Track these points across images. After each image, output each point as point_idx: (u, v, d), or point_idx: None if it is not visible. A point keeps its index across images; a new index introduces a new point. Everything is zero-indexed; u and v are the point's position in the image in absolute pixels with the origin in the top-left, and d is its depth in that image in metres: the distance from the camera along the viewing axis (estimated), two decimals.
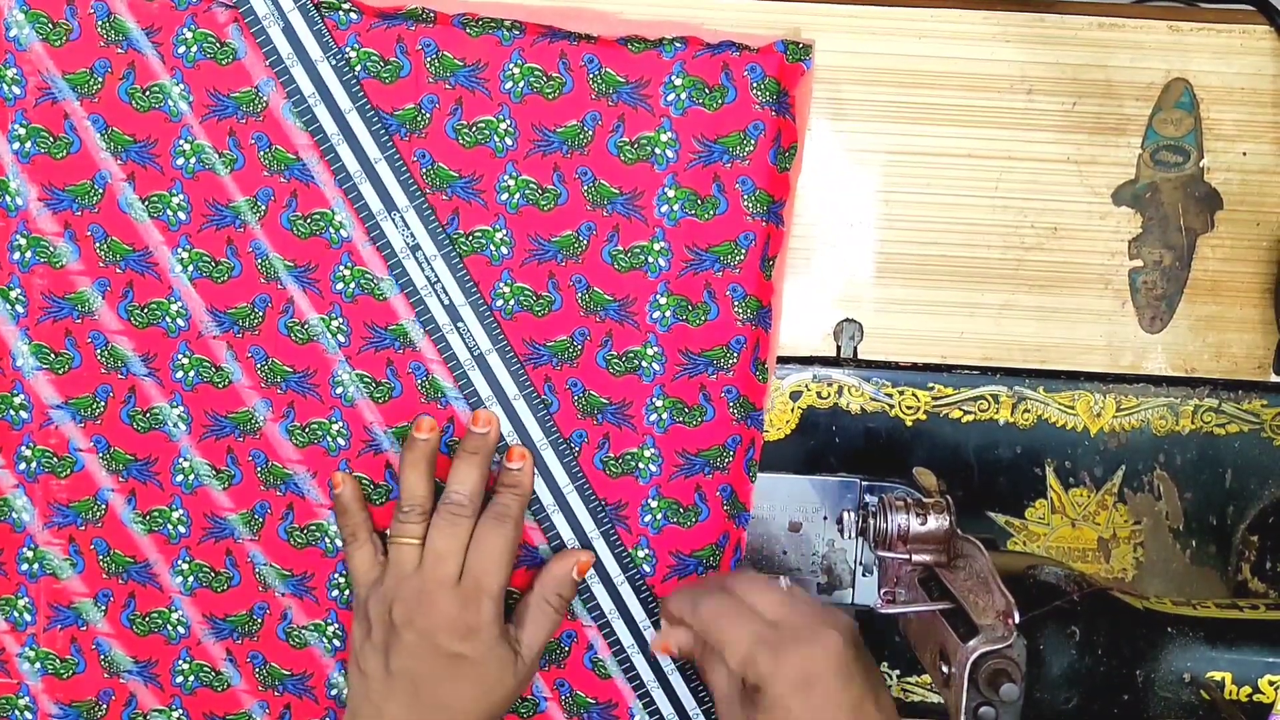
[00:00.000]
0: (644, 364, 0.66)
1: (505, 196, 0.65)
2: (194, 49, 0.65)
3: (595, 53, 0.65)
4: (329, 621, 0.68)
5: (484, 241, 0.66)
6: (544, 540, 0.67)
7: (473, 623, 0.62)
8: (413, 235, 0.65)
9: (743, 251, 0.65)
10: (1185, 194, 0.67)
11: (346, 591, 0.68)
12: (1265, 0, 0.67)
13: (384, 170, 0.65)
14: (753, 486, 0.66)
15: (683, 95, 0.65)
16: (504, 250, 0.66)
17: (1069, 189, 0.67)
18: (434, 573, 0.62)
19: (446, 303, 0.65)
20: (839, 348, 0.68)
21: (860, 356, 0.68)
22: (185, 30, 0.64)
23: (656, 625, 0.67)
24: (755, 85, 0.64)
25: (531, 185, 0.65)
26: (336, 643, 0.68)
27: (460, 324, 0.66)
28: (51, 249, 0.66)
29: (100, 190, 0.65)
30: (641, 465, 0.67)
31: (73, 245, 0.66)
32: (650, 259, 0.66)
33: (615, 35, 0.64)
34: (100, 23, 0.64)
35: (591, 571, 0.67)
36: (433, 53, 0.65)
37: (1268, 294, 0.68)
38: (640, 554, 0.67)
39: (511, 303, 0.66)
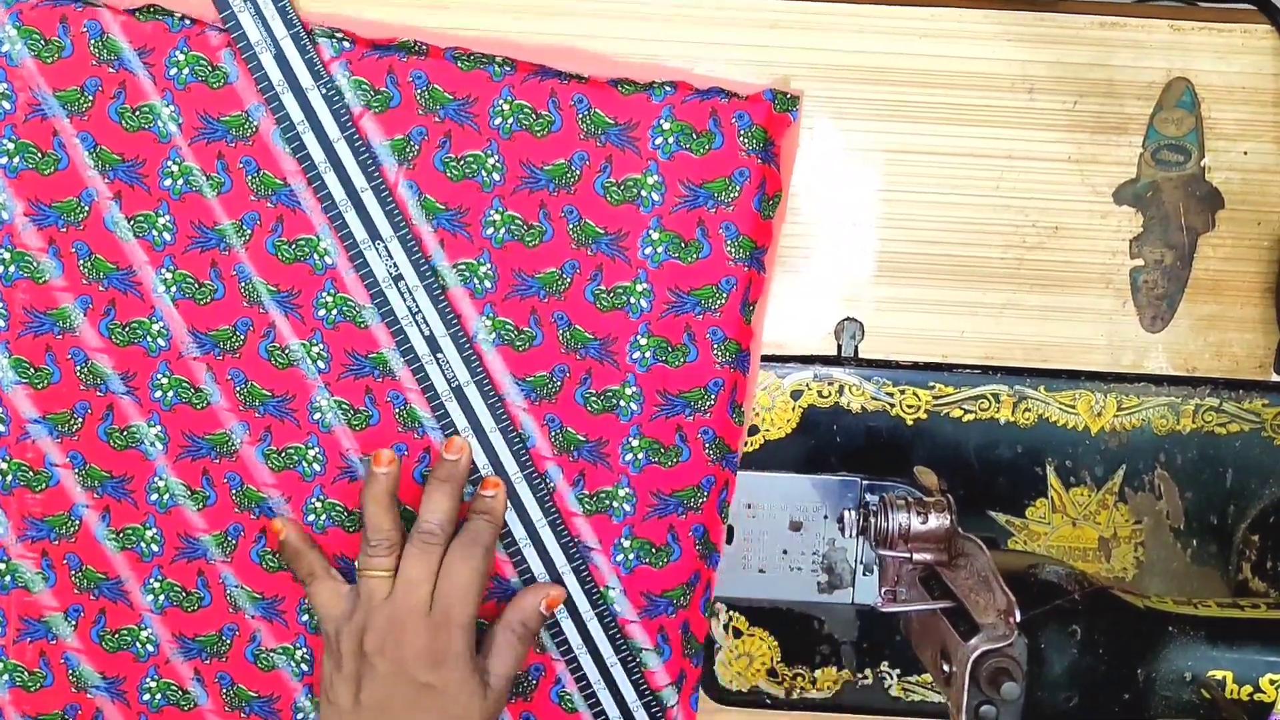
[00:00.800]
0: (622, 403, 0.66)
1: (490, 231, 0.66)
2: (185, 71, 0.65)
3: (585, 93, 0.65)
4: (298, 645, 0.68)
5: (468, 274, 0.66)
6: (515, 574, 0.67)
7: (443, 652, 0.62)
8: (395, 265, 0.65)
9: (724, 296, 0.66)
10: (1186, 193, 0.67)
11: (316, 617, 0.68)
12: (1266, 0, 0.67)
13: (369, 200, 0.65)
14: (724, 527, 0.67)
15: (670, 139, 0.65)
16: (487, 284, 0.66)
17: (1070, 188, 0.67)
18: (405, 601, 0.62)
19: (427, 333, 0.65)
20: (840, 347, 0.68)
21: (861, 355, 0.68)
22: (178, 52, 0.65)
23: (624, 663, 0.67)
24: (742, 132, 0.65)
25: (517, 221, 0.66)
26: (304, 666, 0.68)
27: (439, 355, 0.66)
28: (35, 264, 0.66)
29: (86, 208, 0.65)
30: (616, 504, 0.67)
31: (56, 261, 0.66)
32: (632, 300, 0.66)
33: (606, 77, 0.65)
34: (93, 41, 0.64)
35: (561, 607, 0.67)
36: (423, 85, 0.65)
37: (1268, 293, 0.68)
38: (611, 592, 0.67)
39: (493, 336, 0.66)
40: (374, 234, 0.65)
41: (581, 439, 0.66)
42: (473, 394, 0.66)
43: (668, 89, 0.65)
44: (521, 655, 0.65)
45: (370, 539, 0.63)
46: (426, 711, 0.62)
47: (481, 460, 0.66)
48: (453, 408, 0.66)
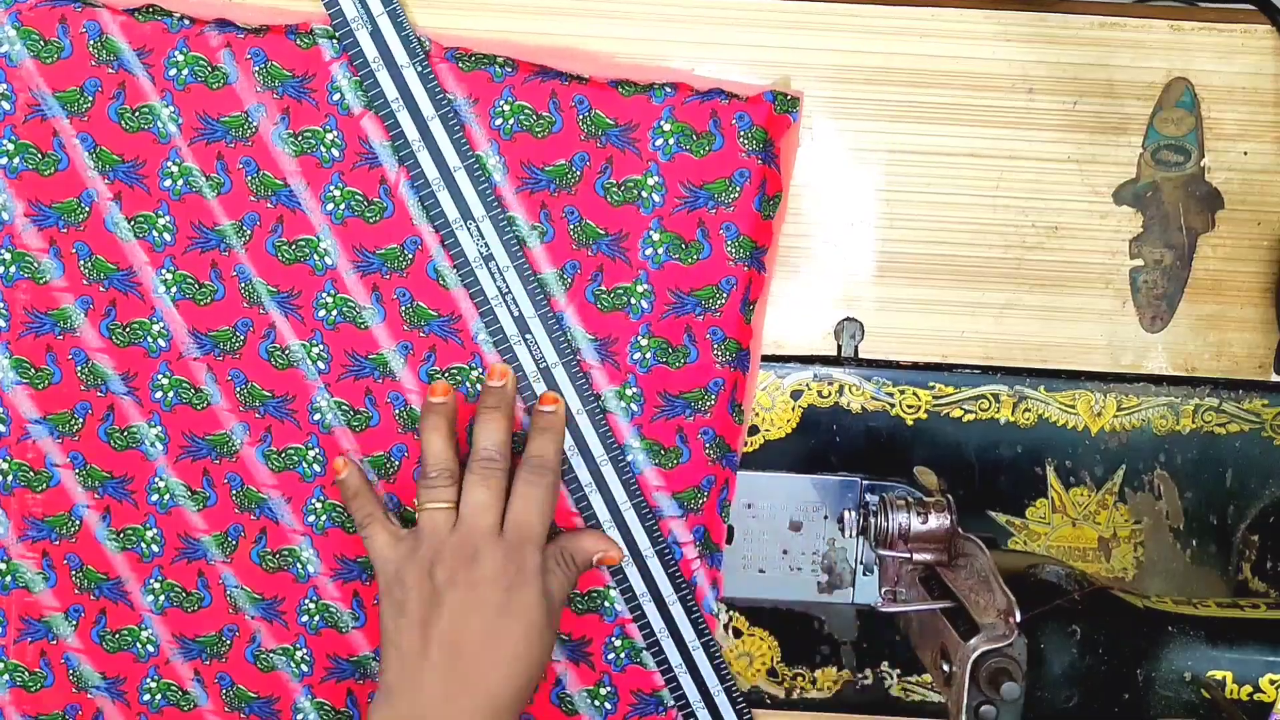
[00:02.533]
0: (623, 404, 0.66)
1: None
2: (185, 72, 0.65)
3: (586, 94, 0.65)
4: (297, 646, 0.68)
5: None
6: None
7: (518, 571, 0.61)
8: (486, 245, 0.65)
9: (724, 295, 0.66)
10: (1186, 193, 0.67)
11: (316, 618, 0.68)
12: (1266, 0, 0.67)
13: (462, 179, 0.65)
14: (725, 527, 0.67)
15: (671, 140, 0.65)
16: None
17: (1070, 188, 0.67)
18: (475, 525, 0.61)
19: (516, 314, 0.65)
20: (840, 347, 0.68)
21: (861, 355, 0.68)
22: (177, 53, 0.64)
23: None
24: (743, 134, 0.65)
25: (518, 222, 0.65)
26: (304, 668, 0.68)
27: (528, 335, 0.65)
28: (36, 264, 0.66)
29: (86, 208, 0.65)
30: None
31: (57, 262, 0.66)
32: (633, 300, 0.66)
33: (606, 78, 0.65)
34: (92, 42, 0.64)
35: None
36: None
37: (1268, 293, 0.68)
38: (612, 591, 0.67)
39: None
40: (466, 213, 0.65)
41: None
42: (560, 375, 0.66)
43: (668, 90, 0.65)
44: (571, 584, 0.64)
45: (429, 470, 0.63)
46: (501, 635, 0.60)
47: (568, 441, 0.66)
48: (539, 389, 0.66)
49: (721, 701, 0.67)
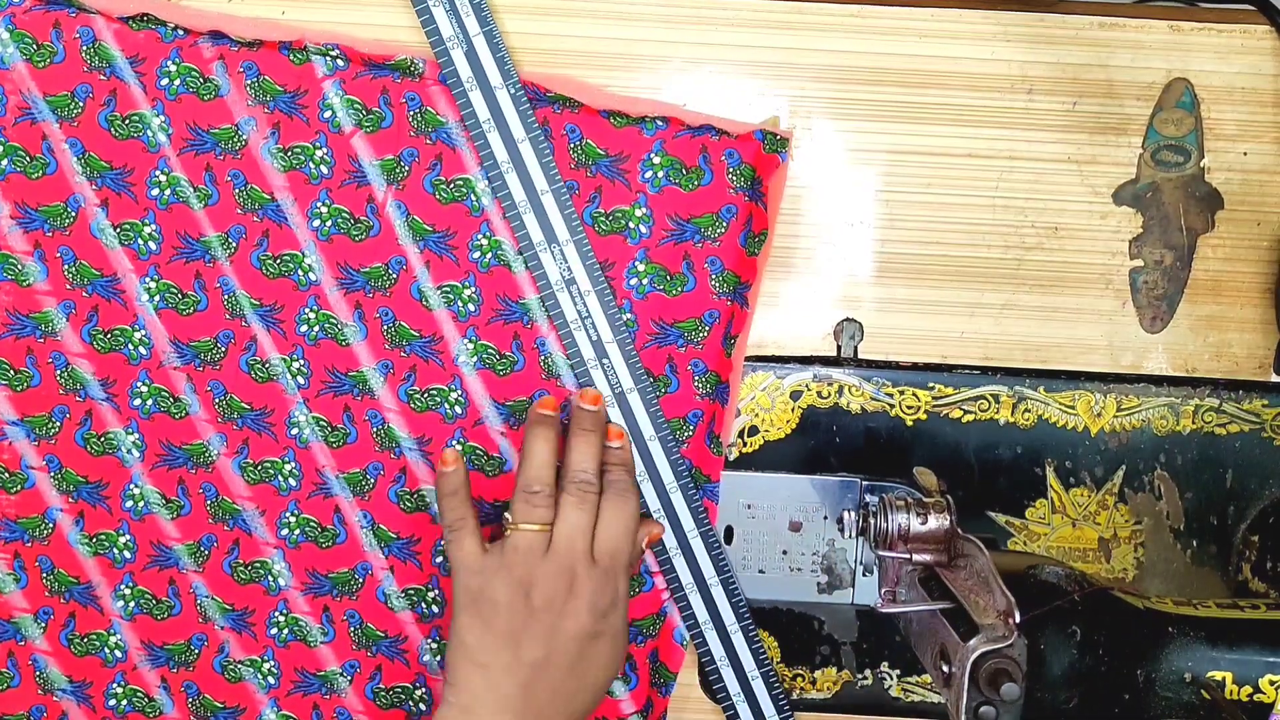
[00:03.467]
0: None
1: (477, 255, 0.66)
2: (177, 82, 0.65)
3: (578, 123, 0.65)
4: (265, 658, 0.68)
5: (452, 297, 0.66)
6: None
7: (612, 598, 0.62)
8: (569, 269, 0.65)
9: (706, 329, 0.66)
10: (1186, 194, 0.67)
11: (286, 631, 0.68)
12: (1266, 0, 0.67)
13: (549, 202, 0.65)
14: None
15: (660, 173, 0.65)
16: (471, 307, 0.66)
17: (1070, 189, 0.67)
18: (573, 549, 0.61)
19: (594, 338, 0.66)
20: (839, 347, 0.68)
21: (861, 356, 0.68)
22: (169, 63, 0.65)
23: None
24: (731, 170, 0.65)
25: (504, 247, 0.65)
26: (271, 680, 0.68)
27: (605, 360, 0.66)
28: (20, 267, 0.66)
29: (73, 213, 0.65)
30: None
31: (41, 265, 0.66)
32: None
33: (599, 107, 0.65)
34: (85, 48, 0.64)
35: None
36: (416, 107, 0.65)
37: (1268, 294, 0.68)
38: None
39: (474, 359, 0.66)
40: (550, 237, 0.65)
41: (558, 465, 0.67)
42: (635, 401, 0.66)
43: (659, 124, 0.65)
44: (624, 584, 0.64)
45: (532, 484, 0.62)
46: (589, 659, 0.61)
47: (640, 467, 0.66)
48: (614, 414, 0.66)
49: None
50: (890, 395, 0.68)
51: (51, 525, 0.67)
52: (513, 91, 0.64)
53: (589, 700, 0.62)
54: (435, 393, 0.66)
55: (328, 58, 0.65)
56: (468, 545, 0.62)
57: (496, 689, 0.59)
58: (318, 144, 0.65)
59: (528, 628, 0.60)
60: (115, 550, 0.67)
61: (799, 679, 0.69)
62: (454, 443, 0.67)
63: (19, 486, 0.67)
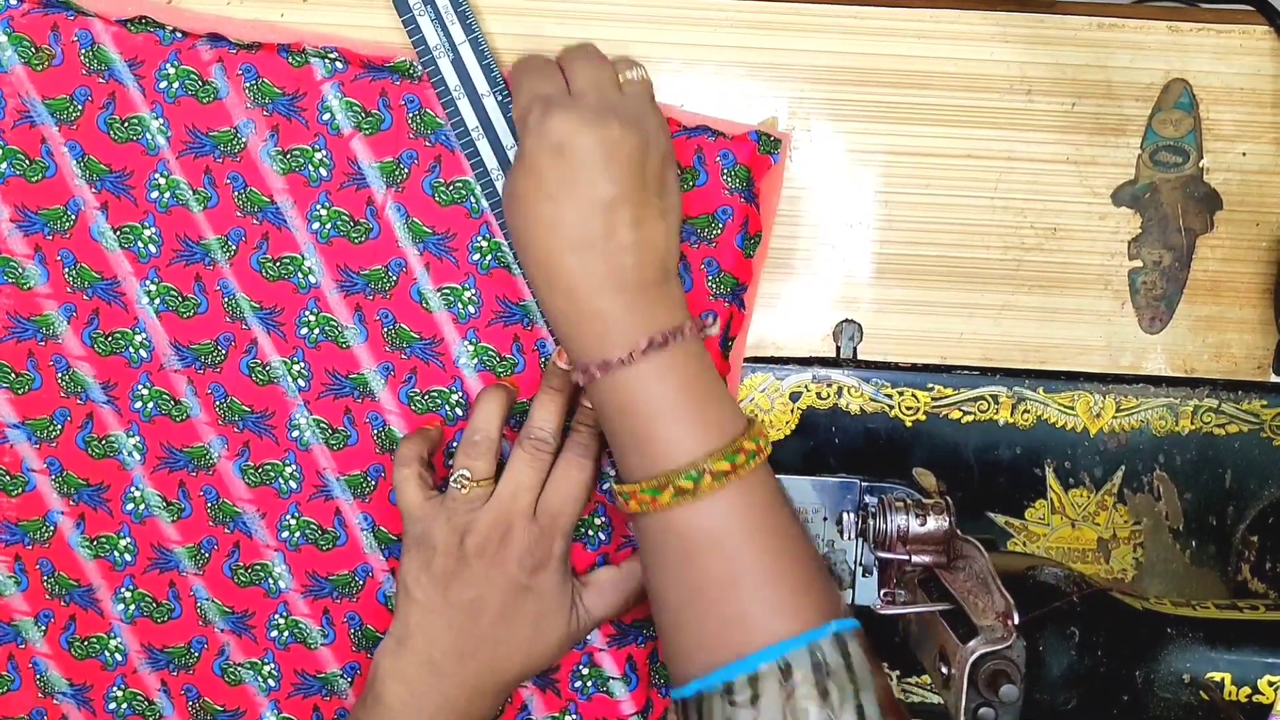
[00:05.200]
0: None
1: (477, 257, 0.66)
2: (175, 85, 0.65)
3: None
4: (265, 661, 0.68)
5: (452, 299, 0.66)
6: None
7: (545, 556, 0.62)
8: None
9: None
10: (1185, 194, 0.67)
11: (286, 633, 0.68)
12: (1265, 0, 0.67)
13: None
14: None
15: None
16: (471, 309, 0.66)
17: (1068, 189, 0.67)
18: (513, 504, 0.61)
19: None
20: (839, 348, 0.68)
21: (860, 357, 0.68)
22: (168, 65, 0.64)
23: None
24: (726, 171, 0.65)
25: (503, 248, 0.66)
26: (271, 683, 0.68)
27: None
28: (20, 270, 0.66)
29: (73, 216, 0.65)
30: (591, 531, 0.67)
31: (42, 268, 0.66)
32: None
33: None
34: (83, 51, 0.64)
35: None
36: (415, 109, 0.65)
37: (1267, 294, 0.68)
38: None
39: (475, 361, 0.66)
40: None
41: None
42: None
43: None
44: (620, 609, 0.65)
45: (473, 433, 0.62)
46: (517, 613, 0.61)
47: None
48: None
49: None
50: (889, 396, 0.68)
51: (52, 528, 0.67)
52: (500, 99, 0.64)
53: (518, 655, 0.62)
54: (436, 395, 0.66)
55: (326, 60, 0.65)
56: (410, 488, 0.63)
57: (427, 625, 0.61)
58: (317, 146, 0.65)
59: (458, 572, 0.61)
60: (116, 553, 0.67)
61: None
62: (455, 446, 0.67)
63: (20, 489, 0.67)
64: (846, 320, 0.68)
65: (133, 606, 0.68)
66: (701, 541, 0.56)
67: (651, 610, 0.59)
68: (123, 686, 0.68)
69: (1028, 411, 0.68)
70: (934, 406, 0.68)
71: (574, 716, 0.68)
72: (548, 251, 0.57)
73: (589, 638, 0.67)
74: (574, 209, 0.56)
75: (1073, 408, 0.68)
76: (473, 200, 0.65)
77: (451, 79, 0.64)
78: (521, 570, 0.61)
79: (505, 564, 0.61)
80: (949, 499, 0.61)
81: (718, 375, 0.59)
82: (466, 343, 0.66)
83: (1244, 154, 0.67)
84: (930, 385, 0.68)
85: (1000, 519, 0.68)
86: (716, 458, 0.55)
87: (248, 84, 0.65)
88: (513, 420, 0.65)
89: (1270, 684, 0.56)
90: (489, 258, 0.66)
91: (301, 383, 0.66)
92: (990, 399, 0.68)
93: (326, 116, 0.65)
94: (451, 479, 0.62)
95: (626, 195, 0.56)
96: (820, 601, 0.55)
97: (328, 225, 0.66)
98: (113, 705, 0.68)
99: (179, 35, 0.64)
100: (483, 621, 0.61)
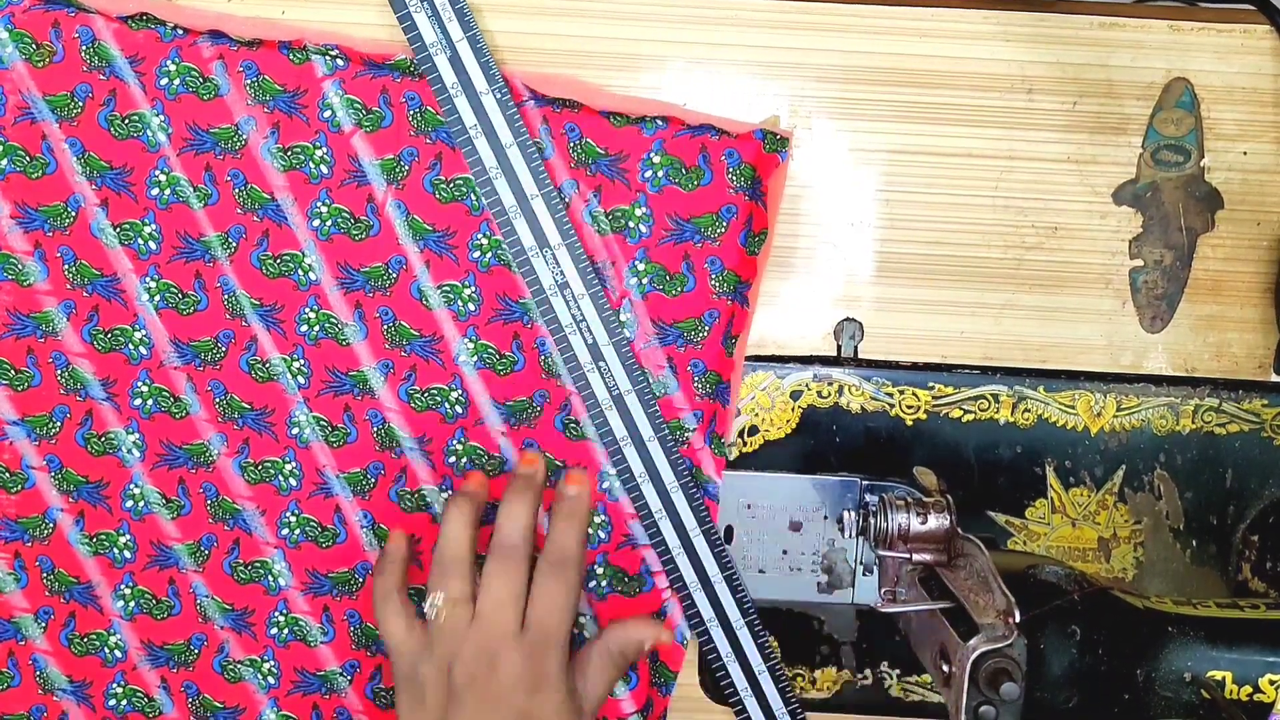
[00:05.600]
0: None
1: (477, 255, 0.66)
2: (176, 81, 0.65)
3: (577, 122, 0.65)
4: (265, 658, 0.68)
5: (452, 296, 0.66)
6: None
7: (540, 676, 0.59)
8: (562, 272, 0.65)
9: (706, 329, 0.66)
10: (1186, 193, 0.67)
11: (286, 631, 0.68)
12: (1266, 0, 0.67)
13: (539, 206, 0.64)
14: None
15: (660, 173, 0.65)
16: (471, 307, 0.66)
17: (1069, 188, 0.67)
18: (495, 623, 0.59)
19: (590, 341, 0.65)
20: (839, 347, 0.68)
21: (860, 356, 0.68)
22: (169, 62, 0.64)
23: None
24: (731, 170, 0.65)
25: (504, 247, 0.66)
26: (271, 680, 0.68)
27: (601, 363, 0.65)
28: (20, 266, 0.66)
29: (73, 213, 0.65)
30: (591, 529, 0.67)
31: (42, 265, 0.66)
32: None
33: (599, 107, 0.65)
34: (84, 48, 0.64)
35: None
36: (416, 106, 0.65)
37: (1268, 293, 0.68)
38: (582, 618, 0.67)
39: (474, 359, 0.66)
40: (542, 241, 0.65)
41: (560, 464, 0.67)
42: (633, 403, 0.65)
43: (659, 123, 0.65)
44: (615, 681, 0.63)
45: (443, 558, 0.60)
46: None
47: (639, 468, 0.66)
48: (612, 416, 0.65)
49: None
50: (890, 395, 0.68)
51: (52, 525, 0.67)
52: (499, 96, 0.64)
53: None
54: (436, 392, 0.66)
55: (327, 57, 0.65)
56: (393, 622, 0.61)
57: None
58: (317, 143, 0.65)
59: (453, 708, 0.58)
60: (115, 550, 0.67)
61: (799, 679, 0.69)
62: (455, 443, 0.67)
63: (19, 486, 0.67)
64: (847, 319, 0.68)
65: (132, 603, 0.68)
66: None
67: None
68: (122, 683, 0.68)
69: (1028, 410, 0.68)
70: (935, 405, 0.68)
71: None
72: None
73: (589, 637, 0.67)
74: None
75: (1073, 407, 0.68)
76: (473, 198, 0.65)
77: (449, 76, 0.64)
78: (517, 695, 0.58)
79: (498, 693, 0.58)
80: (949, 498, 0.61)
81: None
82: (466, 340, 0.66)
83: (1245, 153, 0.67)
84: (931, 384, 0.68)
85: (1001, 518, 0.68)
86: None
87: (248, 81, 0.65)
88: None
89: (1271, 682, 0.56)
90: (489, 255, 0.66)
91: (301, 380, 0.66)
92: (991, 398, 0.68)
93: (327, 113, 0.65)
94: (426, 606, 0.60)
95: None
96: None
97: (328, 222, 0.66)
98: (112, 702, 0.68)
99: (180, 32, 0.64)
100: None
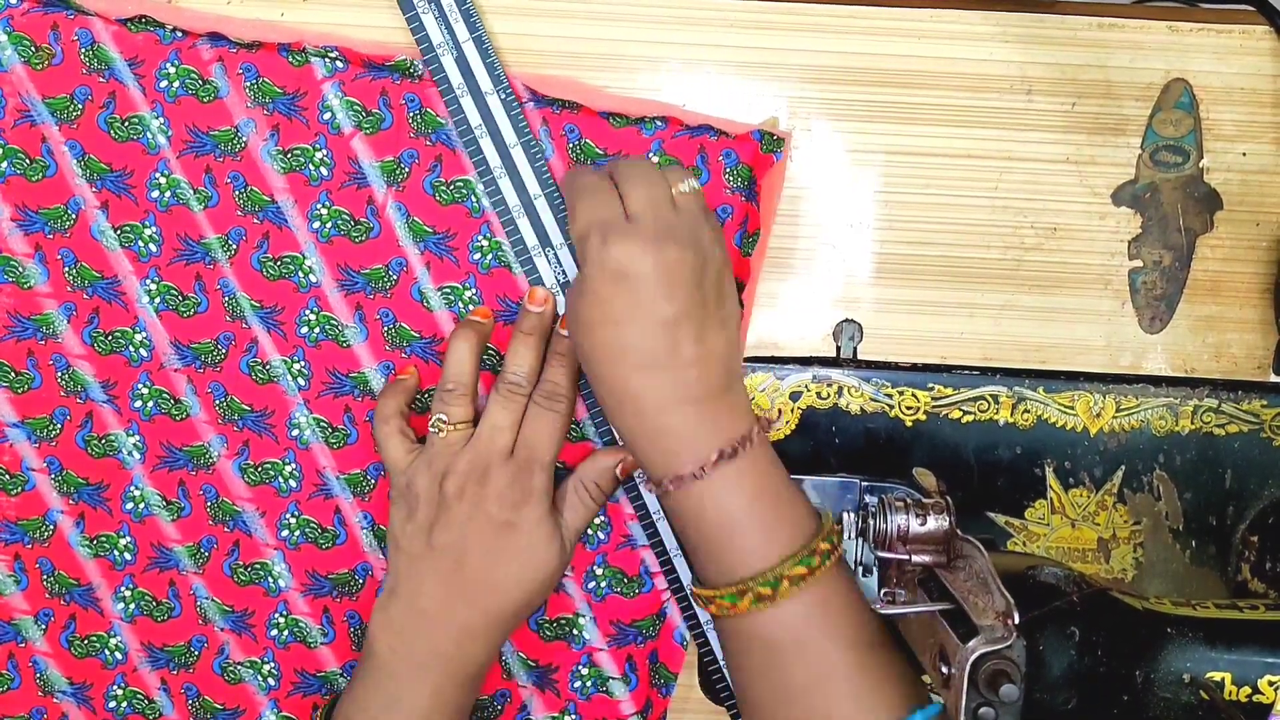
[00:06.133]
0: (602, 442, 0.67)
1: (478, 256, 0.66)
2: (176, 84, 0.65)
3: (576, 123, 0.65)
4: (265, 660, 0.68)
5: (453, 298, 0.66)
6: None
7: (525, 491, 0.62)
8: (564, 272, 0.65)
9: None
10: (1185, 194, 0.67)
11: (286, 632, 0.68)
12: (1265, 0, 0.67)
13: (542, 206, 0.65)
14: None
15: None
16: (471, 309, 0.66)
17: (1068, 189, 0.67)
18: (489, 445, 0.62)
19: None
20: (839, 348, 0.68)
21: (860, 357, 0.68)
22: (168, 65, 0.65)
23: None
24: (728, 170, 0.65)
25: (504, 248, 0.66)
26: (271, 682, 0.68)
27: None
28: (21, 269, 0.66)
29: (73, 216, 0.65)
30: (590, 531, 0.67)
31: (42, 267, 0.66)
32: None
33: (598, 108, 0.65)
34: (83, 50, 0.64)
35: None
36: (416, 109, 0.65)
37: (1267, 294, 0.68)
38: (581, 620, 0.68)
39: None
40: (545, 240, 0.65)
41: (560, 464, 0.66)
42: None
43: (658, 124, 0.65)
44: (591, 515, 0.65)
45: (447, 383, 0.63)
46: (502, 554, 0.62)
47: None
48: None
49: None
50: (890, 396, 0.68)
51: (52, 527, 0.67)
52: (503, 97, 0.64)
53: (510, 593, 0.62)
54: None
55: (327, 59, 0.65)
56: (393, 442, 0.64)
57: (414, 574, 0.62)
58: (317, 146, 0.65)
59: (439, 517, 0.62)
60: (116, 552, 0.67)
61: None
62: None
63: (19, 488, 0.67)
64: (847, 320, 0.68)
65: (132, 605, 0.68)
66: (784, 644, 0.57)
67: (739, 707, 0.61)
68: (122, 685, 0.68)
69: (1028, 411, 0.68)
70: (934, 406, 0.68)
71: (574, 716, 0.68)
72: (614, 374, 0.58)
73: (588, 638, 0.67)
74: (638, 332, 0.57)
75: (1073, 407, 0.68)
76: (473, 200, 0.65)
77: (455, 76, 0.64)
78: (502, 508, 0.62)
79: (485, 503, 0.61)
80: (949, 499, 0.61)
81: (785, 474, 0.60)
82: None
83: (1244, 154, 0.67)
84: (930, 385, 0.68)
85: (1000, 519, 0.68)
86: (791, 563, 0.57)
87: (248, 83, 0.65)
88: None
89: (1270, 684, 0.56)
90: (489, 257, 0.66)
91: (301, 381, 0.66)
92: (990, 399, 0.68)
93: (327, 116, 0.65)
94: (430, 425, 0.63)
95: (687, 313, 0.58)
96: (902, 692, 0.58)
97: (328, 224, 0.66)
98: (112, 704, 0.68)
99: (179, 34, 0.64)
100: (468, 564, 0.61)
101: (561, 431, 0.64)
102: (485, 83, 0.64)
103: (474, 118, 0.64)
